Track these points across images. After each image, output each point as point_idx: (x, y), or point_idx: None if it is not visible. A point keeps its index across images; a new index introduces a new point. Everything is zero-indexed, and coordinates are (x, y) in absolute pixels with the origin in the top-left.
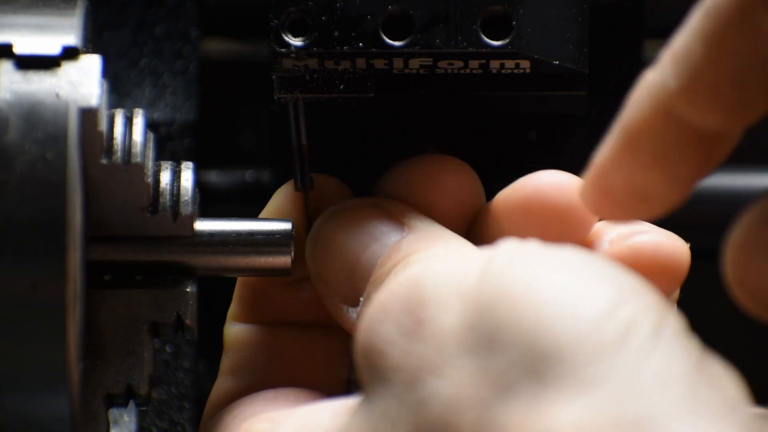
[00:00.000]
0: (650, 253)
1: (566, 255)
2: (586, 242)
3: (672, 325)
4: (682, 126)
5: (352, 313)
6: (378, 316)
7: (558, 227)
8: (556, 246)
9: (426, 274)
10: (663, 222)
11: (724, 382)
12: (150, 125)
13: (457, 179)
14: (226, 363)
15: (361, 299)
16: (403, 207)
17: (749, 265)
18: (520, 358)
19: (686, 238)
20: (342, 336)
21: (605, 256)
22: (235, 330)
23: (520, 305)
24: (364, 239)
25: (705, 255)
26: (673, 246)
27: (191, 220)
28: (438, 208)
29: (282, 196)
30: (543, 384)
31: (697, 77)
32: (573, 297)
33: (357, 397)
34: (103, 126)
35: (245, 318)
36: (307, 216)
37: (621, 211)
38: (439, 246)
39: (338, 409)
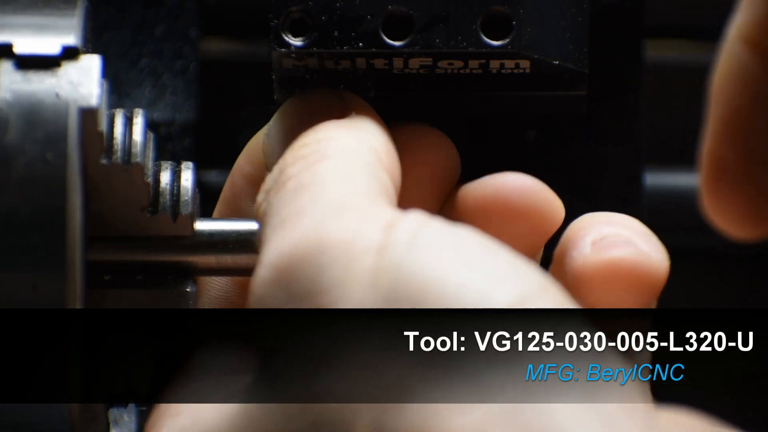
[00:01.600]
0: (627, 269)
1: (469, 238)
2: (563, 242)
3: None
4: None
5: None
6: (274, 293)
7: (518, 229)
8: (461, 229)
9: (321, 251)
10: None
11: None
12: (150, 125)
13: (433, 151)
14: None
15: None
16: (367, 109)
17: None
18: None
19: (686, 240)
20: None
21: (581, 262)
22: None
23: (423, 287)
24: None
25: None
26: (650, 262)
27: (191, 220)
28: (412, 178)
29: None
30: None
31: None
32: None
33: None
34: (103, 126)
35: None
36: None
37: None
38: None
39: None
